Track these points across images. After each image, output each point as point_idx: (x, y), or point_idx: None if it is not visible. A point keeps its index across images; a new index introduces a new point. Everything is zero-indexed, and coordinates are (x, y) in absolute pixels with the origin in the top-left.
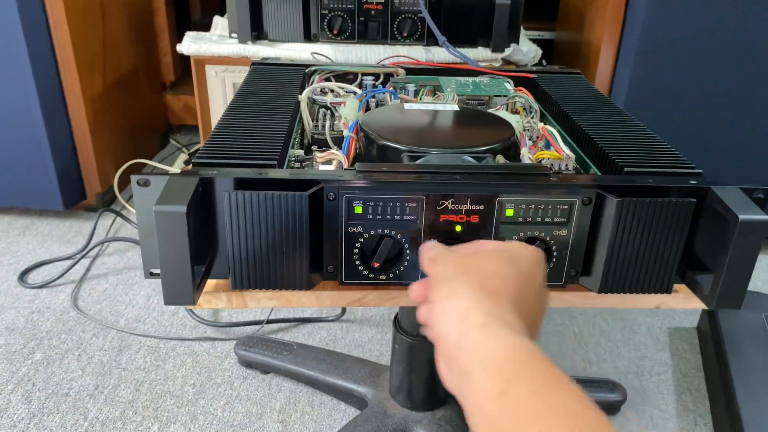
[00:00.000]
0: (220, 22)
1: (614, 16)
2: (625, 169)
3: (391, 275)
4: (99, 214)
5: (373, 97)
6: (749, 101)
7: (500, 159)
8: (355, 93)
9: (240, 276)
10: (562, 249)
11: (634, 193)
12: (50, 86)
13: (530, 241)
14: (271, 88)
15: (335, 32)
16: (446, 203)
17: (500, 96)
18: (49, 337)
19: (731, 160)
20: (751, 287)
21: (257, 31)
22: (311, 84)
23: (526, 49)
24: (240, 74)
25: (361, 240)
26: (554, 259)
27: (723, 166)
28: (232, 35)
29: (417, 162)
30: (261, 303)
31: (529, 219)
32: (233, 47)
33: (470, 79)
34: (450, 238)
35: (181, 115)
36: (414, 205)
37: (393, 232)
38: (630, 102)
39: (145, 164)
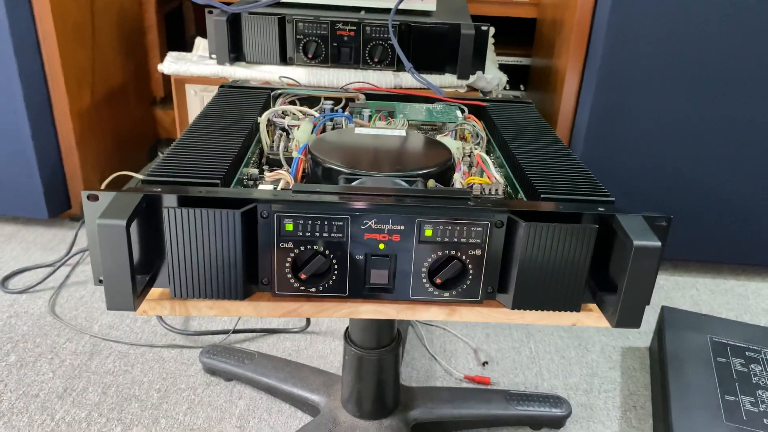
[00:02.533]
0: (201, 44)
1: (578, 45)
2: (542, 195)
3: (321, 288)
4: (81, 224)
5: (331, 120)
6: (706, 132)
7: (431, 183)
8: (313, 116)
9: (180, 286)
10: (477, 268)
11: (543, 218)
12: (38, 98)
13: (448, 260)
14: (234, 110)
15: (310, 56)
16: (369, 223)
17: (450, 123)
18: (24, 340)
19: (687, 186)
20: (701, 310)
21: (236, 53)
22: (274, 107)
23: (490, 77)
24: None
25: (292, 255)
26: (471, 277)
27: (679, 192)
28: (212, 56)
29: (351, 185)
30: (202, 311)
31: (447, 239)
32: (211, 68)
33: (424, 106)
34: (374, 255)
35: (170, 129)
36: (340, 224)
37: (322, 248)
38: (591, 128)
39: (131, 176)
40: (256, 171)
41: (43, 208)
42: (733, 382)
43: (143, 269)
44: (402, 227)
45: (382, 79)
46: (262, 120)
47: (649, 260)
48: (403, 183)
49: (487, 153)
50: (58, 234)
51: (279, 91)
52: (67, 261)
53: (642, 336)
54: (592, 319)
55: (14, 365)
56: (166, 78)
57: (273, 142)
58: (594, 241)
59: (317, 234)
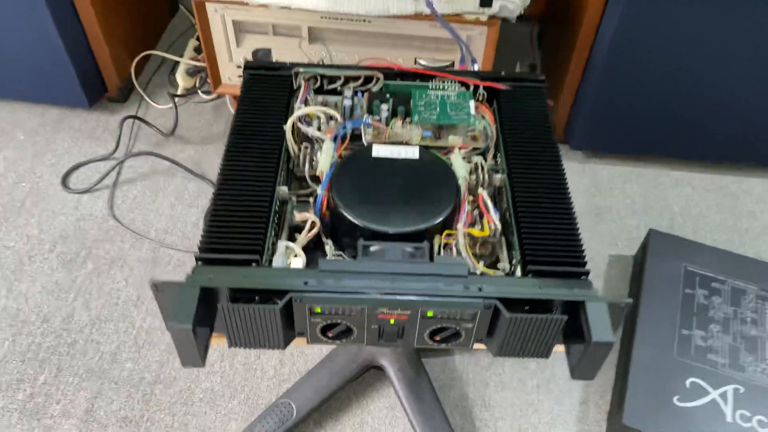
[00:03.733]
0: None
1: None
2: (529, 267)
3: (344, 340)
4: (122, 122)
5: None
6: (735, 58)
7: (437, 239)
8: (333, 118)
9: (234, 341)
10: (469, 334)
11: (525, 303)
12: None
13: (445, 328)
14: (260, 113)
15: None
16: (382, 310)
17: (462, 124)
18: (95, 246)
19: (694, 110)
20: (691, 210)
21: None
22: (297, 90)
23: (512, 6)
24: (238, 12)
25: (321, 325)
26: (463, 337)
27: (685, 93)
28: None
29: (368, 254)
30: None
31: (444, 317)
32: None
33: (440, 95)
34: (386, 326)
35: None
36: (359, 308)
37: (344, 322)
38: (615, 47)
39: (155, 54)
40: (286, 191)
41: (83, 98)
42: (692, 315)
43: (205, 323)
44: (408, 312)
45: (403, 7)
46: (288, 127)
47: (603, 350)
48: (411, 249)
49: (497, 147)
50: (101, 119)
51: (300, 70)
52: (116, 163)
53: (630, 243)
54: (561, 354)
55: (93, 273)
56: None
57: (300, 152)
58: (564, 323)
59: (340, 313)
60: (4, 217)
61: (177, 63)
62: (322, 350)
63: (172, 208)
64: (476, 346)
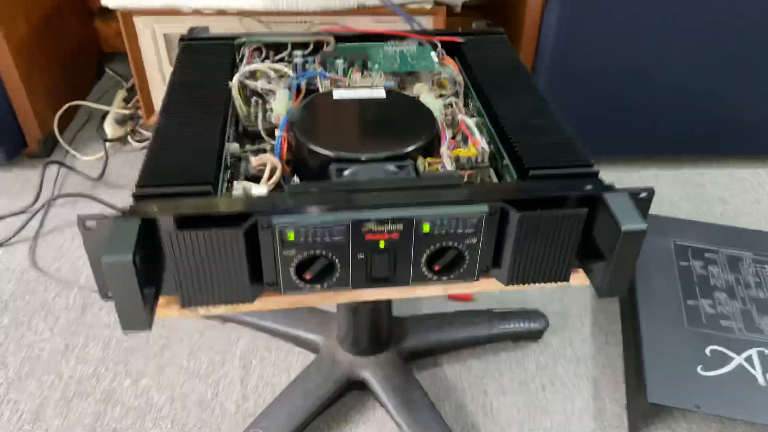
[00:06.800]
0: None
1: None
2: (531, 172)
3: (326, 285)
4: (44, 167)
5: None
6: (674, 50)
7: (421, 161)
8: (284, 76)
9: (189, 297)
10: (473, 253)
11: (534, 204)
12: None
13: (443, 250)
14: (201, 74)
15: None
16: (369, 225)
17: (427, 70)
18: (13, 299)
19: (649, 84)
20: (661, 204)
21: None
22: (241, 62)
23: None
24: (169, 24)
25: (296, 260)
26: (467, 262)
27: (641, 89)
28: None
29: (343, 177)
30: (210, 311)
31: (444, 232)
32: None
33: (397, 49)
34: (375, 251)
35: (114, 43)
36: (341, 228)
37: (324, 252)
38: (557, 45)
39: (81, 105)
40: (237, 146)
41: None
42: (693, 285)
43: (149, 282)
44: (401, 226)
45: (346, 1)
46: (234, 84)
47: (635, 241)
48: (394, 169)
49: (465, 96)
50: (20, 175)
51: (243, 40)
52: (39, 208)
53: None
54: (579, 279)
55: (9, 327)
56: None
57: (250, 108)
58: (583, 224)
59: (318, 239)
60: None
61: (105, 115)
62: (290, 376)
63: None
64: (483, 279)
